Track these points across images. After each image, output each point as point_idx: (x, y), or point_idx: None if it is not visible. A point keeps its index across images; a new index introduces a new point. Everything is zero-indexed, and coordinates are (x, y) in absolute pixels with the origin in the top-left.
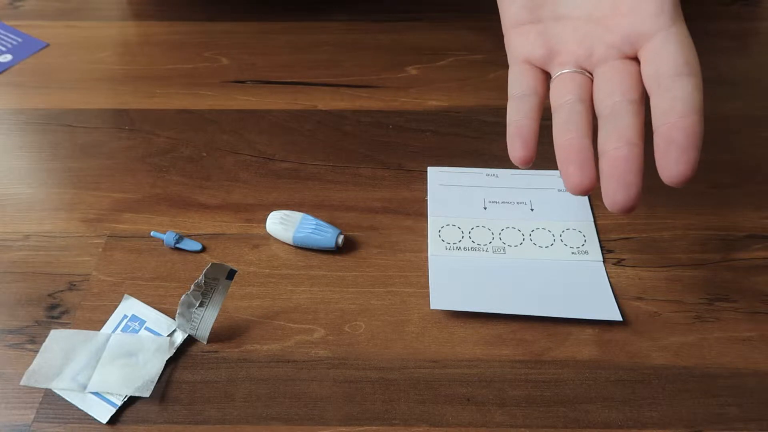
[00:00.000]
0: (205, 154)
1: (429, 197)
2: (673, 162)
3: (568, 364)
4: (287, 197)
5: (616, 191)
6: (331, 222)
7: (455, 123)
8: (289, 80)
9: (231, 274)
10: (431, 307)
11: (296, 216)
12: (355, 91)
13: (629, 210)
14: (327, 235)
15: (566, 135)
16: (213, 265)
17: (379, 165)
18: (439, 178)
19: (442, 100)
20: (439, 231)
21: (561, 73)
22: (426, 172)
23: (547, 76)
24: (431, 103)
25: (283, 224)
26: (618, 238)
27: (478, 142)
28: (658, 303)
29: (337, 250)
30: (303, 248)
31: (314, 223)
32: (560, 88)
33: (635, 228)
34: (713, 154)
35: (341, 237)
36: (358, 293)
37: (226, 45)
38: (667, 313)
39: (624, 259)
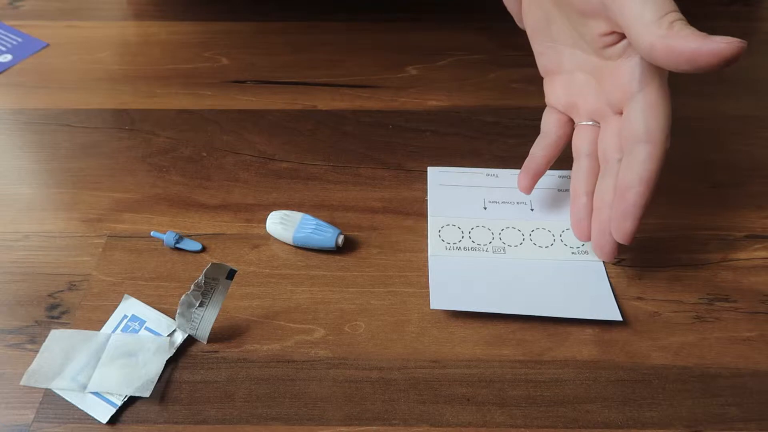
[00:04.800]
0: (205, 154)
1: (429, 197)
2: (614, 229)
3: (568, 364)
4: (287, 197)
5: (595, 249)
6: (331, 222)
7: (455, 123)
8: (289, 80)
9: (231, 274)
10: (431, 307)
11: (296, 216)
12: (355, 91)
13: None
14: (327, 235)
15: (573, 186)
16: (213, 265)
17: (379, 165)
18: (439, 178)
19: (442, 100)
20: (439, 231)
21: (579, 125)
22: (426, 172)
23: (571, 121)
24: (431, 103)
25: (283, 224)
26: None
27: (478, 142)
28: (658, 303)
29: (337, 250)
30: (303, 248)
31: (314, 223)
32: (577, 139)
33: None
34: (713, 154)
35: (341, 237)
36: (358, 293)
37: (226, 45)
38: (667, 313)
39: (624, 259)
